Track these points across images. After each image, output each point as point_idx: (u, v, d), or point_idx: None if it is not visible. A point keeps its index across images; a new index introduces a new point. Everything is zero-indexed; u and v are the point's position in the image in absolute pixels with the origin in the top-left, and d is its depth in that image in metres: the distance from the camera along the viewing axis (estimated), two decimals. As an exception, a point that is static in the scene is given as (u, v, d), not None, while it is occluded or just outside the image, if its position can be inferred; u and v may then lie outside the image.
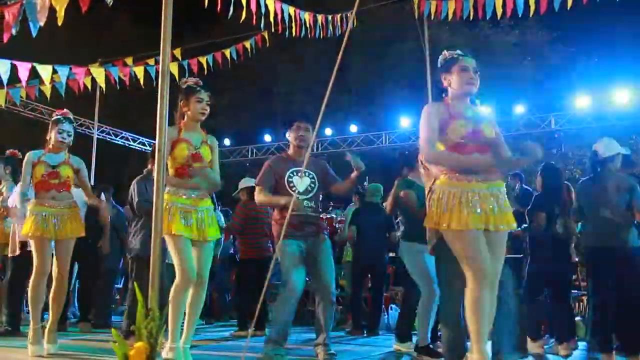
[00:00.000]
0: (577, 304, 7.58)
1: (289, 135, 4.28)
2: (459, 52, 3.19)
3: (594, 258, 4.71)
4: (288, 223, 3.76)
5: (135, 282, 3.21)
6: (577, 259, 5.56)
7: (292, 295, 3.94)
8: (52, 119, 4.46)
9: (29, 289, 4.34)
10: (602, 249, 4.59)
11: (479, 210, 2.90)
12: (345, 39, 2.95)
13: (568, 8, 5.77)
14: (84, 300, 6.62)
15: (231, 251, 8.21)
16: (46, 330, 4.29)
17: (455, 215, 2.89)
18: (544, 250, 4.99)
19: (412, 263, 4.56)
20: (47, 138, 4.42)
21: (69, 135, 4.40)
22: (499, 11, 6.50)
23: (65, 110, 4.52)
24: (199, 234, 3.66)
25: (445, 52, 3.22)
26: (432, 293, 4.33)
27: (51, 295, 4.35)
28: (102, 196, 6.18)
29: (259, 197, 4.14)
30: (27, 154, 4.38)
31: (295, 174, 4.11)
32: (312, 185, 4.15)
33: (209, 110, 3.81)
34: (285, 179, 4.09)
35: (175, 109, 3.79)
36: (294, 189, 4.06)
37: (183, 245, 3.57)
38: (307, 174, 4.14)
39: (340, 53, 2.82)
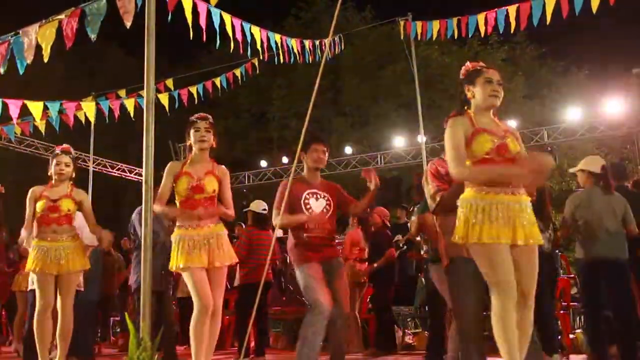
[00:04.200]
0: (578, 318, 7.56)
1: (305, 158, 4.23)
2: (482, 63, 3.15)
3: (597, 270, 4.70)
4: (307, 245, 3.90)
5: (126, 313, 3.24)
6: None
7: (321, 317, 3.83)
8: (53, 153, 4.61)
9: (34, 327, 4.30)
10: (606, 261, 4.64)
11: (510, 221, 2.83)
12: (322, 63, 3.00)
13: (547, 23, 5.87)
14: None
15: None
16: None
17: (485, 228, 2.81)
18: None
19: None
20: (49, 174, 4.51)
21: (67, 166, 4.50)
22: (482, 29, 6.61)
23: (65, 145, 4.65)
24: (210, 262, 3.69)
25: (468, 63, 3.17)
26: None
27: (58, 331, 4.34)
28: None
29: (280, 220, 4.05)
30: (31, 190, 4.45)
31: (311, 195, 4.12)
32: (328, 207, 4.14)
33: (209, 136, 3.86)
34: (302, 200, 4.09)
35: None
36: (310, 210, 4.07)
37: (198, 277, 3.61)
38: (322, 196, 4.15)
39: (319, 77, 2.86)
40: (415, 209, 5.01)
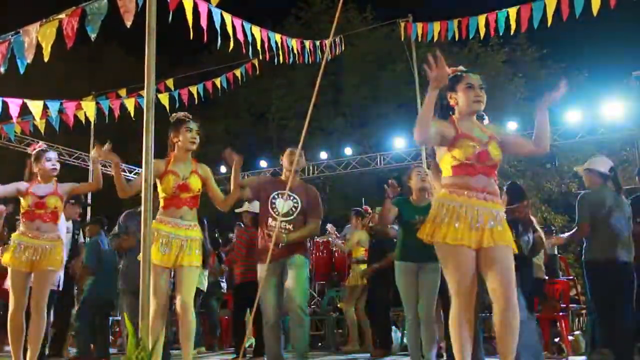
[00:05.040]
0: (576, 319, 7.56)
1: (282, 161, 4.40)
2: (461, 67, 3.12)
3: (612, 271, 4.68)
4: (264, 247, 4.02)
5: (124, 314, 3.25)
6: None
7: (267, 321, 4.08)
8: (34, 152, 4.50)
9: (8, 328, 4.22)
10: (621, 262, 4.64)
11: (477, 226, 2.84)
12: (323, 64, 2.99)
13: (548, 25, 5.89)
14: (58, 333, 6.34)
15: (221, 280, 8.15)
16: None
17: (451, 229, 2.84)
18: None
19: (399, 283, 4.52)
20: (35, 171, 4.42)
21: (58, 162, 4.51)
22: (482, 31, 6.63)
23: (40, 143, 4.62)
24: (177, 262, 3.70)
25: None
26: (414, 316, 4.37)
27: (29, 330, 4.26)
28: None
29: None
30: (17, 183, 4.41)
31: (279, 196, 4.24)
32: (294, 209, 4.25)
33: (198, 139, 3.91)
34: (270, 200, 4.24)
35: (166, 141, 3.91)
36: (275, 210, 4.17)
37: (158, 275, 3.61)
38: (291, 197, 4.23)
39: (319, 78, 2.86)
40: None
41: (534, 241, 4.77)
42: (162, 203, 3.80)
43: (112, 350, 7.15)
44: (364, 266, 6.99)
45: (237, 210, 6.64)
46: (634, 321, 4.66)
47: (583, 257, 4.87)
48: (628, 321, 4.64)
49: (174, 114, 4.02)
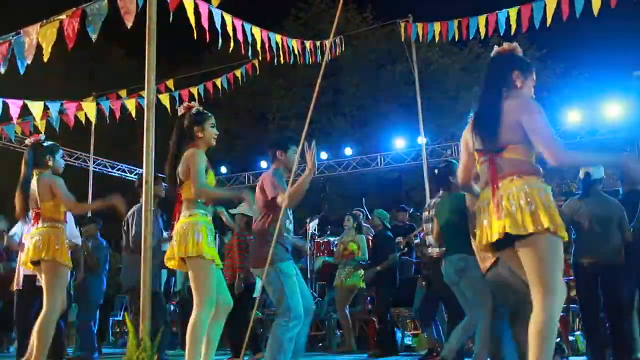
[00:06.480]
0: (577, 319, 7.55)
1: (283, 157, 4.09)
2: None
3: (595, 274, 4.78)
4: (282, 244, 3.83)
5: (125, 314, 3.24)
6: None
7: (299, 323, 3.78)
8: (46, 144, 4.22)
9: (46, 329, 3.85)
10: (604, 265, 4.72)
11: None
12: (323, 65, 3.00)
13: (548, 25, 5.90)
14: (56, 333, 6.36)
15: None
16: None
17: (559, 220, 2.55)
18: None
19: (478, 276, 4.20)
20: (50, 164, 4.15)
21: None
22: (482, 31, 6.64)
23: (38, 136, 4.31)
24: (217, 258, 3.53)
25: (518, 46, 2.95)
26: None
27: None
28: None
29: (285, 198, 3.80)
30: (60, 179, 4.07)
31: None
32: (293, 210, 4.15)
33: None
34: None
35: (183, 134, 3.62)
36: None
37: (214, 271, 3.40)
38: None
39: (319, 79, 2.87)
40: (433, 202, 5.07)
41: None
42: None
43: (114, 350, 7.17)
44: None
45: (232, 212, 6.57)
46: (634, 325, 4.71)
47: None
48: (627, 322, 4.68)
49: (186, 104, 3.78)
